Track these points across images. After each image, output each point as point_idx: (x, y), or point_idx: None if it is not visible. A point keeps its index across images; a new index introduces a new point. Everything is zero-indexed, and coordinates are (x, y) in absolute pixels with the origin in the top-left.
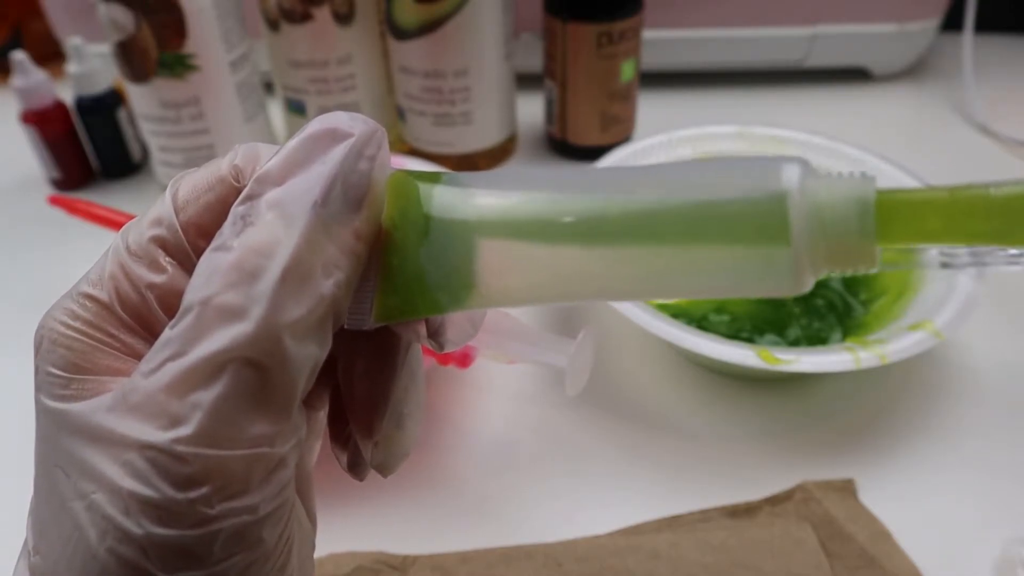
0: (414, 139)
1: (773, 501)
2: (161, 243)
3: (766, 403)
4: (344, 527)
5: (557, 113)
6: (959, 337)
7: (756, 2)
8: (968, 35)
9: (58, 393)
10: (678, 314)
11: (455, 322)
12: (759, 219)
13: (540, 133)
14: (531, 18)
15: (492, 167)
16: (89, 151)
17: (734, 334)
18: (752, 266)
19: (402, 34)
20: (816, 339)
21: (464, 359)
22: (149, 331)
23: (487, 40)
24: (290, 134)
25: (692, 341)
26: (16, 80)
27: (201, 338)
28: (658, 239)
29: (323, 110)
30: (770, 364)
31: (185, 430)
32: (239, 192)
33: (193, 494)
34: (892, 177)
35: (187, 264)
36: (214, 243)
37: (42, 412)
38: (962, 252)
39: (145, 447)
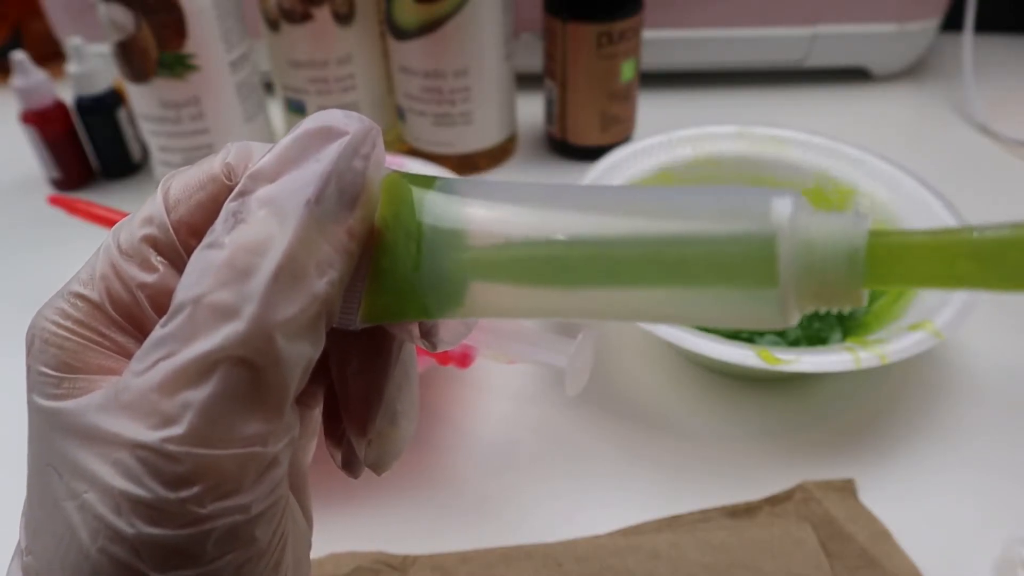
0: (414, 139)
1: (773, 501)
2: (152, 242)
3: (766, 403)
4: (344, 527)
5: (557, 113)
6: (959, 337)
7: (756, 2)
8: (968, 35)
9: (50, 392)
10: None
11: (448, 322)
12: (748, 257)
13: (540, 133)
14: (531, 18)
15: (492, 167)
16: (89, 151)
17: (734, 334)
18: (739, 304)
19: (402, 34)
20: (816, 339)
21: (464, 359)
22: (140, 330)
23: (487, 40)
24: None
25: (692, 341)
26: (16, 80)
27: (193, 337)
28: (646, 280)
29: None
30: (770, 364)
31: (176, 429)
32: (231, 190)
33: (184, 493)
34: (892, 177)
35: (178, 263)
36: (206, 240)
37: (34, 411)
38: None
39: (136, 446)
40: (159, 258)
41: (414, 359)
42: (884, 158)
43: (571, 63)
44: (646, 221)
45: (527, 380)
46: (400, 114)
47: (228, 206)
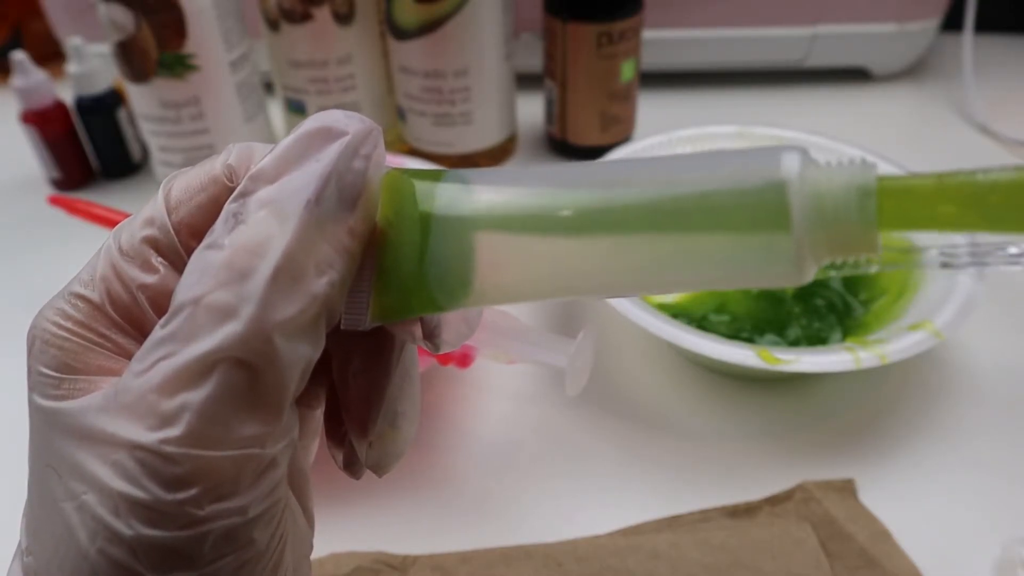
0: (414, 139)
1: (773, 501)
2: (153, 243)
3: (766, 403)
4: (344, 527)
5: (557, 113)
6: (959, 337)
7: (756, 2)
8: (968, 35)
9: (50, 393)
10: (678, 314)
11: (451, 323)
12: (760, 207)
13: (540, 133)
14: (531, 18)
15: (492, 167)
16: (89, 151)
17: (734, 334)
18: (753, 255)
19: (402, 34)
20: (816, 339)
21: (464, 359)
22: (140, 331)
23: (487, 40)
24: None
25: (692, 341)
26: (16, 80)
27: (192, 338)
28: (657, 229)
29: (323, 110)
30: (770, 364)
31: (174, 430)
32: (233, 192)
33: (182, 495)
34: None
35: (179, 264)
36: (206, 241)
37: (35, 412)
38: (962, 252)
39: (135, 447)
40: (160, 259)
41: (415, 360)
42: (884, 158)
43: (571, 63)
44: (658, 181)
45: (527, 380)
46: (400, 114)
47: (228, 207)
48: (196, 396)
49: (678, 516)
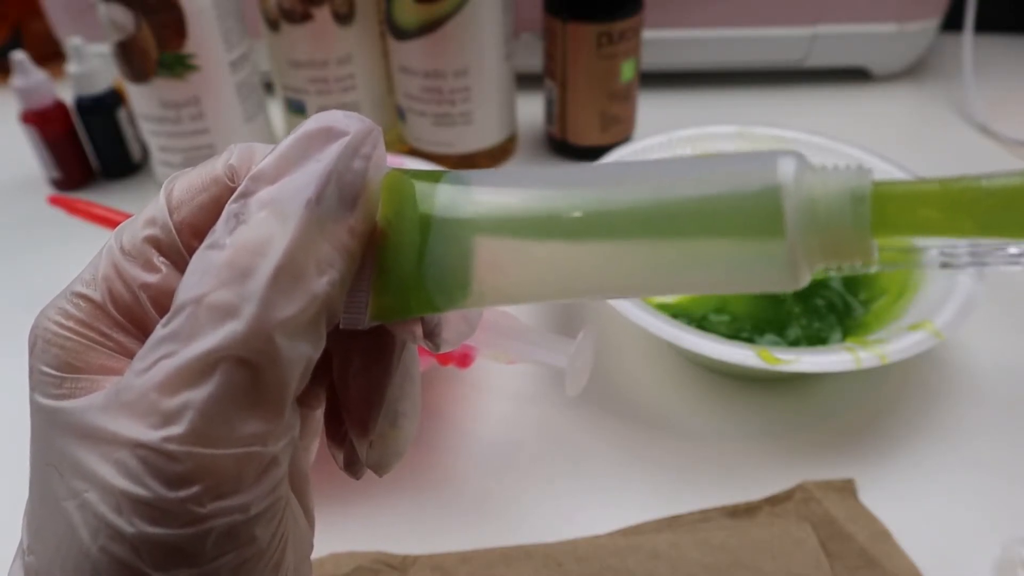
0: (414, 139)
1: (773, 501)
2: (155, 243)
3: (766, 403)
4: (344, 527)
5: (557, 113)
6: (959, 337)
7: (756, 2)
8: (968, 35)
9: (52, 392)
10: (678, 314)
11: (451, 322)
12: (754, 212)
13: (540, 133)
14: (531, 18)
15: (492, 167)
16: (89, 151)
17: (734, 334)
18: (747, 260)
19: (402, 34)
20: (816, 339)
21: (464, 359)
22: (142, 330)
23: (487, 40)
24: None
25: (692, 341)
26: (16, 80)
27: (193, 337)
28: (653, 233)
29: (323, 110)
30: (770, 364)
31: (176, 429)
32: (234, 192)
33: (184, 493)
34: (892, 177)
35: (181, 264)
36: (207, 241)
37: (36, 411)
38: (962, 252)
39: (137, 445)
40: (161, 259)
41: (416, 360)
42: (884, 158)
43: (571, 63)
44: (654, 186)
45: (527, 380)
46: (400, 114)
47: (230, 207)
48: (198, 394)
49: (678, 516)
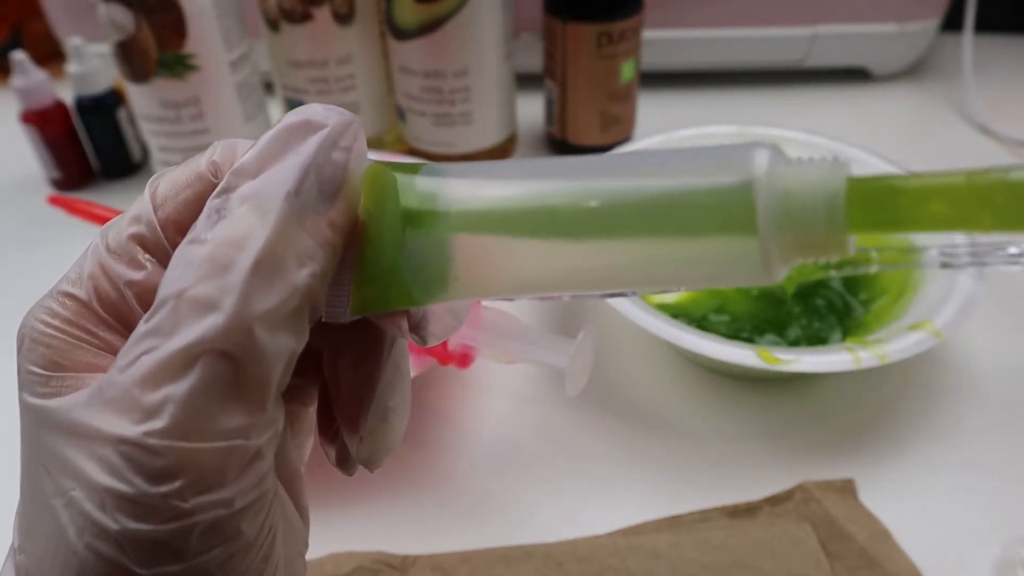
0: (414, 139)
1: (773, 501)
2: (140, 240)
3: (766, 403)
4: (344, 527)
5: (557, 113)
6: (959, 337)
7: (756, 2)
8: (968, 35)
9: (39, 391)
10: (678, 314)
11: (438, 316)
12: (727, 207)
13: (540, 133)
14: (531, 18)
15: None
16: (89, 151)
17: (734, 334)
18: (722, 256)
19: (402, 34)
20: (816, 339)
21: (464, 359)
22: (128, 328)
23: (487, 40)
24: None
25: (692, 341)
26: (16, 80)
27: (174, 331)
28: (627, 229)
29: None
30: (770, 364)
31: (158, 423)
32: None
33: (166, 488)
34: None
35: (166, 261)
36: (188, 236)
37: (25, 410)
38: (962, 252)
39: (119, 441)
40: (146, 256)
41: (406, 355)
42: (884, 158)
43: (571, 63)
44: (630, 180)
45: (527, 380)
46: (400, 114)
47: (211, 203)
48: (179, 388)
49: (678, 516)
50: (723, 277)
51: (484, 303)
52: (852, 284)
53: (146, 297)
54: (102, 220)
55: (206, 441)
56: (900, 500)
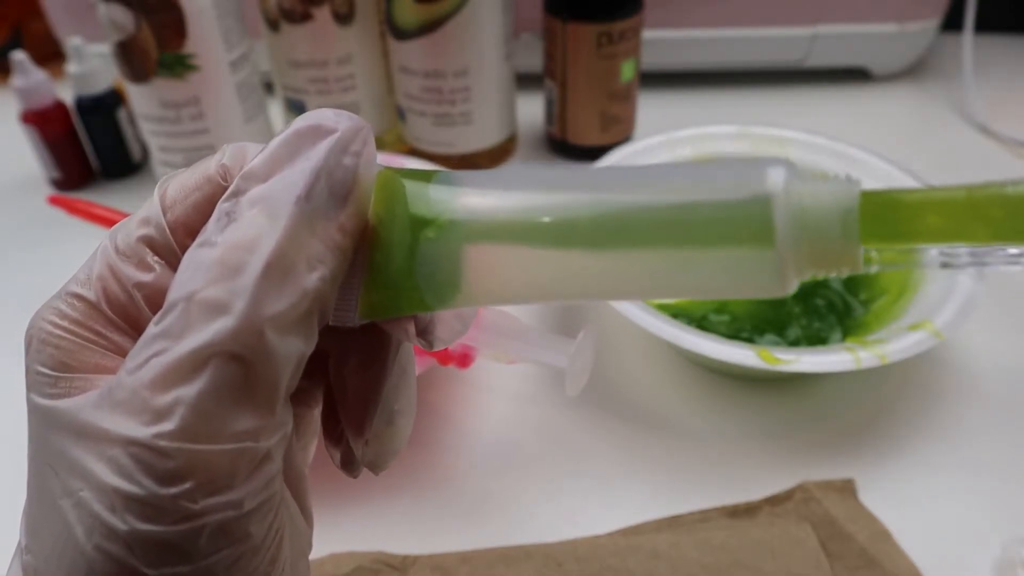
0: (414, 139)
1: (773, 501)
2: (149, 242)
3: (766, 403)
4: (344, 527)
5: (557, 113)
6: (959, 337)
7: (756, 2)
8: (968, 35)
9: (47, 392)
10: (678, 314)
11: (445, 320)
12: (745, 221)
13: (540, 133)
14: (531, 18)
15: (492, 167)
16: (89, 151)
17: (734, 334)
18: (737, 268)
19: (402, 34)
20: (816, 339)
21: (464, 359)
22: (137, 329)
23: (487, 40)
24: None
25: (692, 341)
26: (16, 80)
27: (185, 333)
28: (643, 242)
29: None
30: (770, 364)
31: (168, 425)
32: (226, 191)
33: (176, 489)
34: (892, 177)
35: (175, 263)
36: (198, 239)
37: (33, 411)
38: (962, 252)
39: (129, 443)
40: (155, 258)
41: (412, 359)
42: (884, 158)
43: (571, 63)
44: (646, 194)
45: (527, 380)
46: (400, 114)
47: (221, 206)
48: (189, 391)
49: (678, 516)
50: (737, 288)
51: None
52: (852, 284)
53: (155, 299)
54: (102, 220)
55: (216, 443)
56: (900, 500)
